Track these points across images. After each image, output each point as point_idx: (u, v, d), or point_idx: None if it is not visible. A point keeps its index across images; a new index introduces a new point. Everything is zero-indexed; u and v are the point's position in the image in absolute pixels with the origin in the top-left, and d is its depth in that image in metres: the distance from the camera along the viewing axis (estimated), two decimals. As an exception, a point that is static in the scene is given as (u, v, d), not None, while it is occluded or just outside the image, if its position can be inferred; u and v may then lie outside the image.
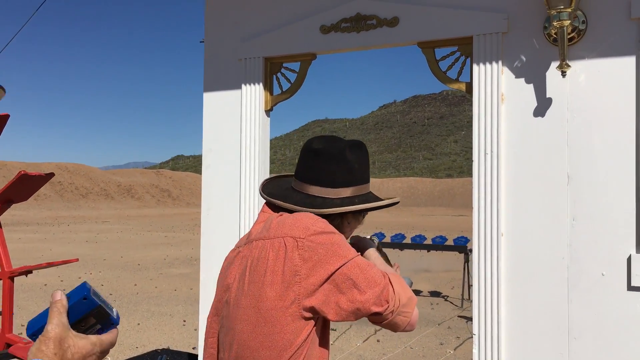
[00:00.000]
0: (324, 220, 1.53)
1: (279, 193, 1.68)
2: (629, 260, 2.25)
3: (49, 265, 3.75)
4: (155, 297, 10.68)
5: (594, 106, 2.32)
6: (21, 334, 5.48)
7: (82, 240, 21.92)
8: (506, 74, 2.47)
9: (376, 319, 1.51)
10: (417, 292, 13.39)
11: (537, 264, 2.39)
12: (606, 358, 2.28)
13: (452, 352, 7.66)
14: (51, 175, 3.62)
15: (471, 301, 10.34)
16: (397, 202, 1.73)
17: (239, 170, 2.97)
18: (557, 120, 2.37)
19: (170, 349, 5.21)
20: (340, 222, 1.64)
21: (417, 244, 12.90)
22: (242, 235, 2.92)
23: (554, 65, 2.36)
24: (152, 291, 11.40)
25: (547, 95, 2.39)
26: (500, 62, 2.46)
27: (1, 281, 3.95)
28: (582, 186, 2.33)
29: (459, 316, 9.21)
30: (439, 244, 12.63)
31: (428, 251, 13.67)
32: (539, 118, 2.40)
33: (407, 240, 13.59)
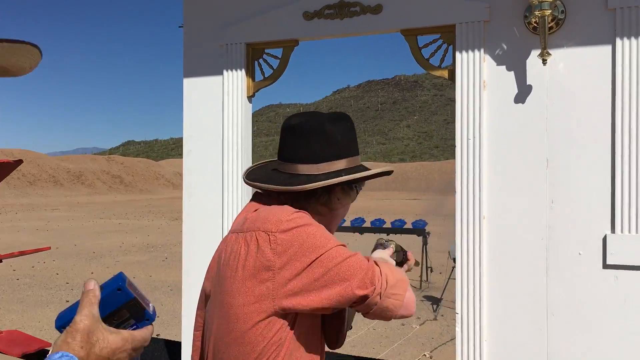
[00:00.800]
0: (301, 212, 1.44)
1: (262, 177, 1.61)
2: (604, 240, 2.37)
3: (22, 254, 3.66)
4: (115, 286, 10.50)
5: (572, 93, 2.42)
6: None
7: (32, 229, 21.28)
8: (488, 62, 2.54)
9: (364, 307, 1.41)
10: (376, 275, 13.56)
11: (517, 244, 2.50)
12: (582, 333, 2.40)
13: (417, 327, 7.85)
14: (19, 162, 3.51)
15: (429, 282, 10.61)
16: (389, 172, 1.63)
17: (221, 156, 2.96)
18: (537, 106, 2.47)
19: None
20: (327, 198, 1.55)
21: (377, 227, 13.06)
22: (229, 224, 2.93)
23: (534, 53, 2.44)
24: (111, 279, 11.21)
25: (528, 83, 2.48)
26: (482, 50, 2.54)
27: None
28: (560, 170, 2.44)
29: (421, 300, 9.41)
30: (398, 227, 12.82)
31: (387, 234, 13.86)
32: (520, 104, 2.49)
33: (367, 224, 13.76)
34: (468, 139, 2.55)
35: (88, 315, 0.88)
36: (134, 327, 0.95)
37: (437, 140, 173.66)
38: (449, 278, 8.48)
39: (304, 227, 1.39)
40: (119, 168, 67.52)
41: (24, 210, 33.63)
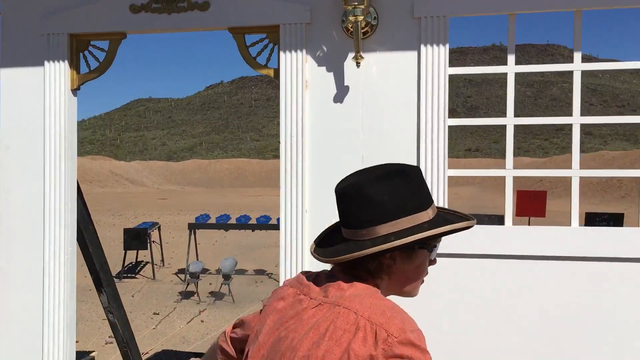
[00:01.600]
0: (420, 330, 1.36)
1: (331, 246, 1.54)
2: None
3: None
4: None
5: (384, 94, 2.61)
6: None
7: None
8: (310, 62, 2.66)
9: None
10: (242, 272, 13.62)
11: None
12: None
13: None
14: None
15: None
16: (470, 225, 1.48)
17: (42, 151, 2.83)
18: (353, 106, 2.63)
19: None
20: (378, 265, 1.45)
21: (242, 224, 13.14)
22: (50, 222, 2.80)
23: (351, 56, 2.60)
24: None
25: (345, 84, 2.63)
26: (304, 51, 2.65)
27: None
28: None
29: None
30: (262, 224, 12.98)
31: (253, 231, 13.97)
32: (338, 104, 2.64)
33: (232, 221, 13.77)
34: (292, 136, 2.66)
35: None
36: None
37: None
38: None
39: (419, 353, 1.32)
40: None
41: None
